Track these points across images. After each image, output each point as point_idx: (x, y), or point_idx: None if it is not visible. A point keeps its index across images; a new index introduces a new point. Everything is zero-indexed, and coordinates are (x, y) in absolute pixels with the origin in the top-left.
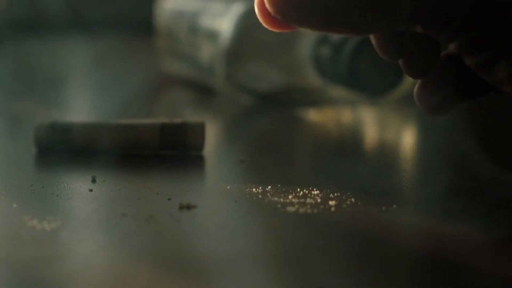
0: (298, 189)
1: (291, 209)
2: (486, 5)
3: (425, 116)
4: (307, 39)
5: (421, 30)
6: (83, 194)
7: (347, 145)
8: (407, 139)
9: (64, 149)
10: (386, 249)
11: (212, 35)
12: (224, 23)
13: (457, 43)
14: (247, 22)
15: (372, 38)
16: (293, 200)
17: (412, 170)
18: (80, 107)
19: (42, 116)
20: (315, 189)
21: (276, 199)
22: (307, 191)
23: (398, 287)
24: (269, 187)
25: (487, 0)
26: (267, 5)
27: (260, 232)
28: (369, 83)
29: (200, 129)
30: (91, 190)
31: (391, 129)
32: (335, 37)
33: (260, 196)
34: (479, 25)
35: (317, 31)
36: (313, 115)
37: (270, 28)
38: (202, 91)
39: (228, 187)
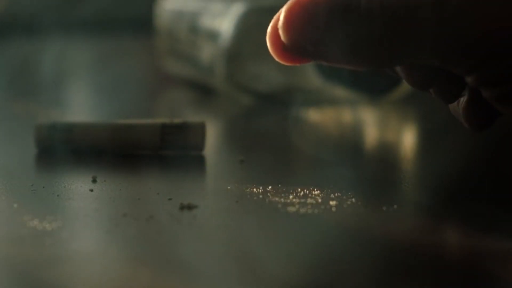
0: (299, 189)
1: (292, 209)
2: (505, 42)
3: (424, 116)
4: None
5: (438, 64)
6: (84, 194)
7: (348, 145)
8: (407, 139)
9: (64, 149)
10: (386, 249)
11: (212, 35)
12: (224, 23)
13: (474, 77)
14: (247, 22)
15: (399, 70)
16: (294, 200)
17: (412, 170)
18: (81, 107)
19: (42, 116)
20: (315, 189)
21: (277, 199)
22: (307, 191)
23: (399, 287)
24: (270, 187)
25: (505, 37)
26: (283, 39)
27: (260, 232)
28: (369, 84)
29: (200, 129)
30: (91, 190)
31: (391, 130)
32: None
33: (260, 196)
34: (497, 61)
35: (332, 64)
36: (313, 115)
37: (282, 62)
38: (202, 91)
39: (228, 187)
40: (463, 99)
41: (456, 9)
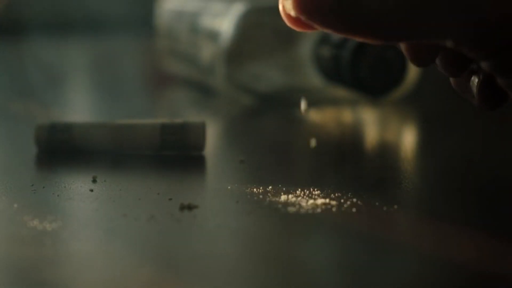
0: (299, 189)
1: (292, 209)
2: None
3: (424, 116)
4: (308, 39)
5: (451, 45)
6: (84, 194)
7: (348, 145)
8: (407, 139)
9: (64, 149)
10: (387, 249)
11: (212, 35)
12: (224, 23)
13: (490, 63)
14: (247, 22)
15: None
16: (294, 200)
17: (413, 170)
18: (81, 107)
19: (42, 116)
20: (315, 189)
21: (277, 199)
22: (307, 191)
23: (399, 287)
24: (270, 187)
25: None
26: (293, 9)
27: (261, 232)
28: (370, 83)
29: (200, 129)
30: (91, 190)
31: (392, 129)
32: (336, 36)
33: (261, 196)
34: None
35: (342, 35)
36: (314, 115)
37: (294, 28)
38: (202, 91)
39: (229, 187)
40: (475, 78)
41: None
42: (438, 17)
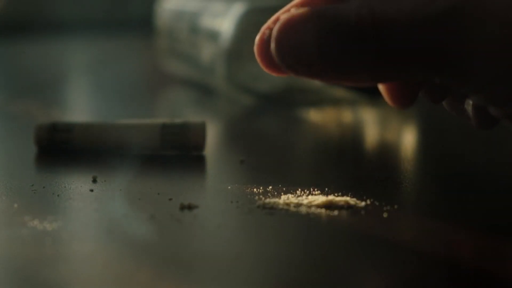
0: (299, 189)
1: (292, 209)
2: None
3: (424, 116)
4: None
5: (438, 82)
6: (84, 194)
7: (348, 145)
8: (407, 139)
9: (64, 149)
10: (387, 249)
11: (213, 35)
12: (225, 23)
13: (482, 96)
14: (247, 22)
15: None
16: (294, 200)
17: (413, 170)
18: (81, 107)
19: (42, 116)
20: (315, 189)
21: (277, 199)
22: (307, 191)
23: (400, 287)
24: (270, 187)
25: None
26: (277, 61)
27: (261, 232)
28: None
29: (201, 129)
30: (92, 190)
31: (392, 129)
32: None
33: (261, 196)
34: (507, 79)
35: (326, 83)
36: (314, 115)
37: (270, 73)
38: (202, 91)
39: (229, 187)
40: (470, 101)
41: (471, 22)
42: (422, 59)
